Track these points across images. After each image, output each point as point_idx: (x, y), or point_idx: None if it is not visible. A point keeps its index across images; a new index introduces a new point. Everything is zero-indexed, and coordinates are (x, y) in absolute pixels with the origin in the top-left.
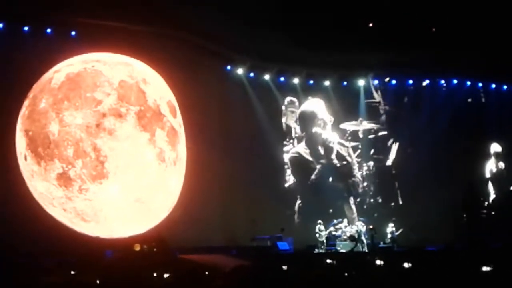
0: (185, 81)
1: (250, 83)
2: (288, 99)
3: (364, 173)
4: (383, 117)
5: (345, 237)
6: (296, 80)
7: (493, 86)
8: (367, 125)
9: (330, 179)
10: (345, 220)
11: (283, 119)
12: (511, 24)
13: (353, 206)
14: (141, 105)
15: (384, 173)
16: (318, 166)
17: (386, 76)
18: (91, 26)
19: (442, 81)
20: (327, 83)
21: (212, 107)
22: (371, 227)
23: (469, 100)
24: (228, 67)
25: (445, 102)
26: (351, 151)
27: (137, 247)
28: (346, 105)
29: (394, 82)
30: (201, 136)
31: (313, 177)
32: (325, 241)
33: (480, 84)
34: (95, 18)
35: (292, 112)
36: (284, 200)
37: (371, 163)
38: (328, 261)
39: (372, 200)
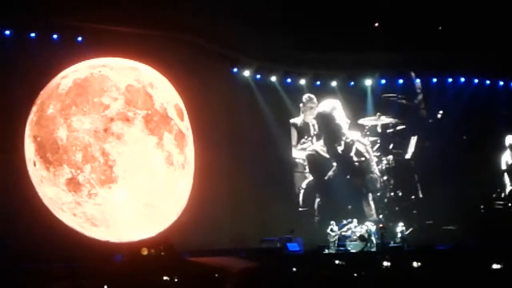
0: (191, 84)
1: (257, 85)
2: (306, 96)
3: (384, 167)
4: (401, 111)
5: (355, 237)
6: (303, 81)
7: (501, 83)
8: (385, 119)
9: (348, 176)
10: (355, 220)
11: (301, 116)
12: None
13: (372, 203)
14: (148, 109)
15: (404, 166)
16: (335, 164)
17: (393, 75)
18: (97, 31)
19: (450, 79)
20: (334, 83)
21: (219, 109)
22: (381, 225)
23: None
24: (235, 69)
25: (456, 98)
26: (369, 147)
27: (145, 252)
28: (359, 103)
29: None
30: (208, 139)
31: (330, 173)
32: (336, 241)
33: (488, 82)
34: (101, 23)
35: (311, 108)
36: (296, 201)
37: (390, 157)
38: (337, 262)
39: (392, 194)
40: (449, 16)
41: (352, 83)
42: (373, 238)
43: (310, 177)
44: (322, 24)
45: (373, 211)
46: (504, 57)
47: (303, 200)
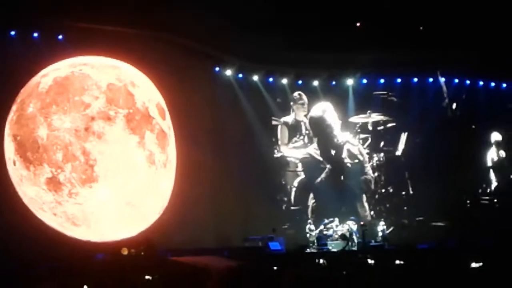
0: (173, 83)
1: (239, 84)
2: (296, 93)
3: (375, 164)
4: (392, 109)
5: (336, 236)
6: (285, 81)
7: (481, 83)
8: (376, 117)
9: (342, 178)
10: (337, 219)
11: (292, 115)
12: (498, 22)
13: (366, 204)
14: (129, 108)
15: (394, 163)
16: (328, 166)
17: (375, 74)
18: (78, 29)
19: (430, 79)
20: (315, 83)
21: (201, 108)
22: (362, 223)
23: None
24: (217, 69)
25: (437, 97)
26: (362, 149)
27: (125, 251)
28: (341, 103)
29: (382, 81)
30: (191, 138)
31: (323, 175)
32: (315, 240)
33: (468, 82)
34: (82, 22)
35: (302, 104)
36: (286, 200)
37: (381, 154)
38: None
39: (383, 190)
40: (431, 16)
41: (334, 82)
42: (354, 237)
43: (302, 175)
44: (304, 24)
45: (367, 212)
46: (486, 57)
47: (294, 198)
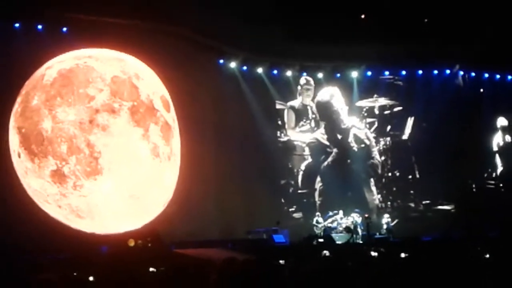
0: (178, 75)
1: (243, 77)
2: (303, 78)
3: (381, 148)
4: (398, 93)
5: (340, 228)
6: (289, 73)
7: (486, 75)
8: (382, 101)
9: (349, 161)
10: (341, 212)
11: (299, 99)
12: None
13: (374, 188)
14: (134, 101)
15: (401, 147)
16: (335, 150)
17: (380, 66)
18: (82, 22)
19: (435, 71)
20: (320, 75)
21: (205, 100)
22: (366, 215)
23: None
24: (221, 61)
25: (443, 88)
26: (369, 133)
27: (131, 243)
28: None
29: (387, 73)
30: (195, 130)
31: (330, 159)
32: (322, 233)
33: (473, 74)
34: (87, 14)
35: (308, 89)
36: (294, 183)
37: (387, 139)
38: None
39: (390, 174)
40: (435, 8)
41: (338, 75)
42: (359, 230)
43: (309, 159)
44: (309, 16)
45: (375, 196)
46: (489, 49)
47: (302, 182)
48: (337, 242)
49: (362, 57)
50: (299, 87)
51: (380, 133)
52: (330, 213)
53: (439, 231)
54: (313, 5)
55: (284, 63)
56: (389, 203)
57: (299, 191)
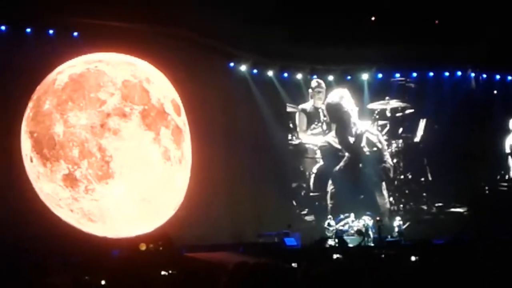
0: (188, 79)
1: (254, 80)
2: (314, 81)
3: (393, 151)
4: (410, 95)
5: (352, 231)
6: (299, 76)
7: (498, 77)
8: (394, 103)
9: (361, 166)
10: (352, 215)
11: (310, 102)
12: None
13: (385, 192)
14: (145, 104)
15: (413, 149)
16: (347, 154)
17: (390, 69)
18: (93, 26)
19: (446, 73)
20: (330, 78)
21: (216, 104)
22: (377, 218)
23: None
24: (231, 64)
25: (454, 90)
26: (381, 137)
27: (143, 247)
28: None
29: (398, 75)
30: (205, 134)
31: (342, 163)
32: (333, 235)
33: (485, 76)
34: (97, 19)
35: (319, 92)
36: (306, 186)
37: (399, 141)
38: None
39: (402, 176)
40: (446, 10)
41: (349, 77)
42: (370, 233)
43: (321, 162)
44: (318, 19)
45: (386, 200)
46: (500, 51)
47: (314, 185)
48: (349, 245)
49: (373, 59)
50: (310, 90)
51: (392, 135)
52: (342, 216)
53: (451, 234)
54: (323, 8)
55: (294, 66)
56: (401, 205)
57: (311, 194)
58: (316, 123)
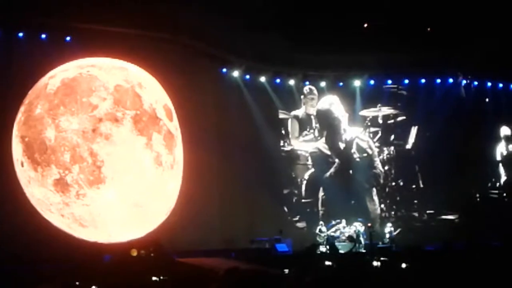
0: (180, 84)
1: (246, 85)
2: (306, 87)
3: (385, 158)
4: (402, 102)
5: (343, 237)
6: (292, 82)
7: (489, 84)
8: (386, 110)
9: (351, 172)
10: (344, 221)
11: (303, 108)
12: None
13: (375, 198)
14: (137, 109)
15: (404, 156)
16: (337, 160)
17: (382, 75)
18: (85, 31)
19: (438, 80)
20: (323, 84)
21: (208, 109)
22: (369, 225)
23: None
24: (224, 70)
25: (446, 97)
26: (371, 143)
27: (134, 252)
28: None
29: (390, 81)
30: (198, 139)
31: (332, 169)
32: (325, 242)
33: (476, 83)
34: (90, 23)
35: (312, 99)
36: (297, 193)
37: (391, 148)
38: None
39: (393, 183)
40: (438, 18)
41: (341, 83)
42: (361, 239)
43: (313, 169)
44: (311, 25)
45: (377, 206)
46: (492, 58)
47: (305, 191)
48: (340, 251)
49: (365, 66)
50: (302, 97)
51: (384, 142)
52: (333, 222)
53: (442, 241)
54: (316, 14)
55: (287, 72)
56: (392, 212)
57: (303, 201)
58: (308, 129)
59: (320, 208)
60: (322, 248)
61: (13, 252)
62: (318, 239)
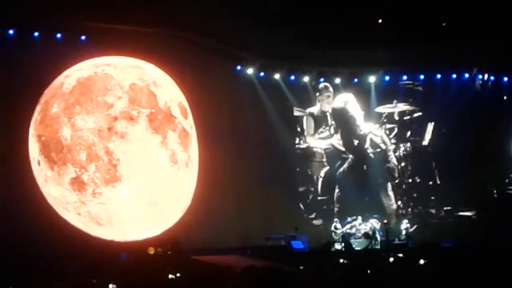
0: (195, 82)
1: (260, 83)
2: (321, 85)
3: (401, 154)
4: (418, 99)
5: (359, 234)
6: (306, 79)
7: (505, 79)
8: (402, 107)
9: (365, 167)
10: (359, 218)
11: (318, 105)
12: None
13: (391, 193)
14: (152, 108)
15: (421, 153)
16: (350, 156)
17: (397, 71)
18: (100, 30)
19: (454, 75)
20: (337, 80)
21: (223, 107)
22: (385, 221)
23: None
24: (238, 67)
25: (461, 92)
26: (385, 138)
27: (151, 251)
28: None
29: (405, 77)
30: (212, 137)
31: (345, 165)
32: (340, 239)
33: (492, 78)
34: (104, 22)
35: (328, 96)
36: (313, 190)
37: (407, 144)
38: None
39: (410, 180)
40: (453, 11)
41: (356, 80)
42: (377, 236)
43: (328, 166)
44: (325, 21)
45: (393, 201)
46: (508, 52)
47: (321, 189)
48: (356, 248)
49: (380, 61)
50: (317, 94)
51: (400, 139)
52: (349, 219)
53: (459, 237)
54: (330, 10)
55: (301, 69)
56: (409, 209)
57: (319, 198)
58: (323, 127)
59: (335, 205)
60: (337, 246)
61: (30, 251)
62: (334, 236)
